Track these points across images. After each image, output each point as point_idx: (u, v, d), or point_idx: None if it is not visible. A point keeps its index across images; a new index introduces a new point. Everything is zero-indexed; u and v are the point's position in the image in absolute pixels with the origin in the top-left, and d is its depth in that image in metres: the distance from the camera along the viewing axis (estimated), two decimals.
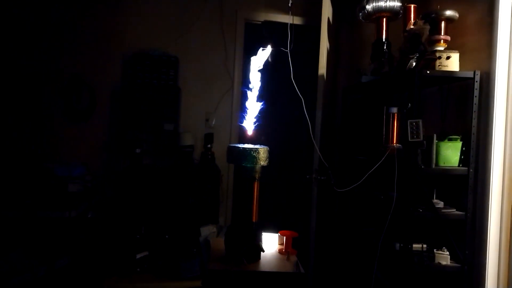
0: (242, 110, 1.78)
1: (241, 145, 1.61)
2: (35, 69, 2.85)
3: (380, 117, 2.08)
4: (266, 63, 1.87)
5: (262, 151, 1.52)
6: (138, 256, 2.42)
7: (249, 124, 1.69)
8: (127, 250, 2.41)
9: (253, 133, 1.68)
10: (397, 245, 1.83)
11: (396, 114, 2.02)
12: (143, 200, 2.74)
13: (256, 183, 1.54)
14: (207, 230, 2.46)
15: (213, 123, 3.14)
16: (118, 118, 2.97)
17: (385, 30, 2.34)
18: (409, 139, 1.68)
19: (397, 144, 2.00)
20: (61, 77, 2.90)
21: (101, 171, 2.89)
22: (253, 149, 1.50)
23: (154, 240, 2.53)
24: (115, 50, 2.97)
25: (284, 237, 1.80)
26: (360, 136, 2.49)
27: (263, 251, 1.63)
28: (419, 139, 1.67)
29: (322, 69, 2.64)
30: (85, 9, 2.93)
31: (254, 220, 1.60)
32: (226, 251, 1.67)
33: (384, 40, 2.31)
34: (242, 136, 3.13)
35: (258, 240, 1.62)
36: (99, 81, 2.96)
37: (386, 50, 2.27)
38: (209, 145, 2.95)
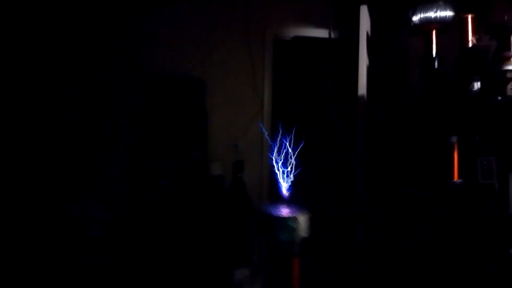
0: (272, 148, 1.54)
1: (276, 210, 1.34)
2: (55, 100, 2.74)
3: (432, 145, 1.79)
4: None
5: (302, 219, 1.26)
6: None
7: (283, 184, 1.44)
8: None
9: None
10: None
11: (456, 144, 1.72)
12: (171, 234, 2.57)
13: (296, 259, 1.28)
14: (240, 273, 2.24)
15: (242, 148, 2.92)
16: (142, 147, 2.80)
17: (435, 44, 2.05)
18: (480, 181, 1.38)
19: (459, 180, 1.71)
20: (83, 108, 2.77)
21: (125, 205, 2.73)
22: (291, 218, 1.24)
23: (184, 281, 2.35)
24: (138, 75, 2.82)
25: None
26: (408, 166, 2.18)
27: None
28: (491, 181, 1.37)
29: (362, 89, 2.37)
30: (107, 37, 2.80)
31: None
32: None
33: (434, 56, 2.02)
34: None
35: None
36: (122, 108, 2.81)
37: (439, 67, 1.97)
38: (239, 174, 2.73)
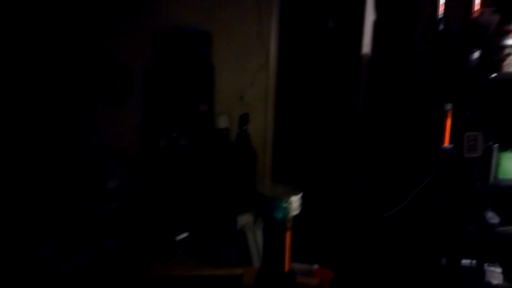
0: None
1: (271, 189, 1.45)
2: (67, 52, 2.79)
3: (427, 109, 1.86)
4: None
5: (295, 200, 1.39)
6: (178, 238, 2.51)
7: None
8: (168, 232, 2.49)
9: None
10: (443, 260, 1.72)
11: (450, 112, 1.80)
12: (181, 182, 2.76)
13: (288, 232, 1.44)
14: (243, 219, 2.46)
15: (248, 100, 3.00)
16: (152, 99, 2.91)
17: (444, 4, 2.02)
18: (465, 154, 1.49)
19: (449, 145, 1.81)
20: (95, 58, 2.83)
21: (138, 153, 2.90)
22: (285, 200, 1.38)
23: (193, 222, 2.59)
24: (145, 27, 2.83)
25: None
26: (406, 129, 2.25)
27: None
28: (476, 154, 1.47)
29: (366, 47, 2.38)
30: None
31: (286, 269, 1.52)
32: None
33: (440, 17, 2.00)
34: (278, 113, 3.04)
35: None
36: (131, 61, 2.87)
37: (443, 31, 1.97)
38: (244, 127, 2.85)
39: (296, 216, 1.40)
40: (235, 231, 2.47)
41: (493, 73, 1.45)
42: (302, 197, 1.44)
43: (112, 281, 2.19)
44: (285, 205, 1.36)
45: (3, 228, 2.13)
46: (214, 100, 2.90)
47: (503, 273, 1.58)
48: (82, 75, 2.85)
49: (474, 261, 1.63)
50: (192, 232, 2.53)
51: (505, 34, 1.51)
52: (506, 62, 1.47)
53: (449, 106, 1.77)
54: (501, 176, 1.56)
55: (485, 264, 1.61)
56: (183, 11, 2.81)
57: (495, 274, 1.58)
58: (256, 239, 2.41)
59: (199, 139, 2.92)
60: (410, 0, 2.57)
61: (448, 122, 1.77)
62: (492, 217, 1.59)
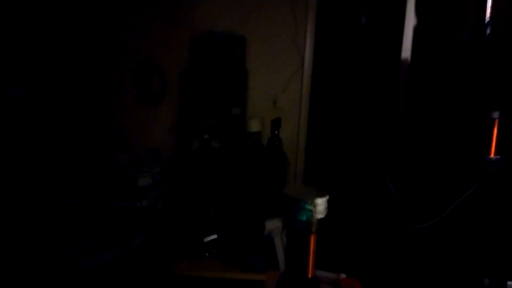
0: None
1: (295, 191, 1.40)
2: (104, 54, 2.90)
3: (471, 117, 1.76)
4: None
5: (321, 203, 1.32)
6: (207, 239, 2.50)
7: None
8: (196, 233, 2.49)
9: None
10: (487, 280, 1.60)
11: (497, 120, 1.68)
12: (212, 183, 2.77)
13: (312, 236, 1.37)
14: (272, 224, 2.42)
15: (281, 105, 2.97)
16: (186, 102, 2.95)
17: (491, 6, 1.91)
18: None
19: (496, 156, 1.69)
20: (131, 60, 2.92)
21: (171, 153, 2.95)
22: (309, 202, 1.31)
23: (222, 225, 2.58)
24: (181, 31, 2.89)
25: None
26: (448, 138, 2.14)
27: None
28: None
29: (406, 52, 2.29)
30: None
31: (310, 276, 1.45)
32: None
33: (487, 21, 1.90)
34: (312, 118, 2.99)
35: None
36: (167, 63, 2.93)
37: (490, 35, 1.86)
38: (276, 131, 2.82)
39: (323, 221, 1.34)
40: (263, 236, 2.44)
41: None
42: (332, 203, 1.38)
43: (140, 277, 2.21)
44: (309, 207, 1.30)
45: (39, 220, 2.21)
46: (247, 104, 2.91)
47: None
48: (119, 77, 2.94)
49: None
50: (220, 235, 2.52)
51: None
52: None
53: (496, 114, 1.66)
54: None
55: None
56: (219, 15, 2.84)
57: None
58: (283, 245, 2.37)
59: (231, 142, 2.93)
60: (454, 4, 2.46)
61: (495, 131, 1.66)
62: None
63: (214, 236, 2.52)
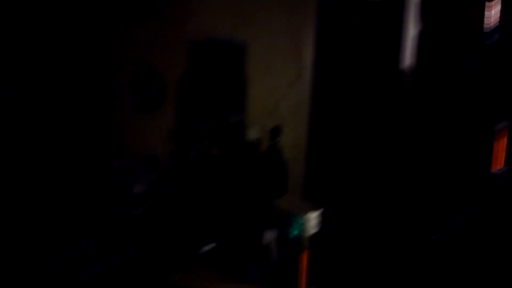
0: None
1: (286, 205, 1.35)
2: (100, 61, 2.87)
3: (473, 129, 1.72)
4: None
5: (313, 217, 1.27)
6: (203, 249, 2.46)
7: None
8: (193, 242, 2.45)
9: None
10: None
11: (503, 131, 1.64)
12: (209, 192, 2.73)
13: (304, 252, 1.31)
14: (270, 235, 2.36)
15: (281, 113, 2.93)
16: (185, 109, 2.92)
17: (494, 14, 1.89)
18: None
19: (503, 167, 1.64)
20: (127, 67, 2.89)
21: (168, 161, 2.90)
22: (301, 216, 1.26)
23: (219, 234, 2.54)
24: (180, 37, 2.86)
25: None
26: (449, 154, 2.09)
27: None
28: None
29: (407, 60, 2.26)
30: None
31: None
32: None
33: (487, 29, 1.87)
34: (312, 126, 2.95)
35: None
36: (166, 69, 2.91)
37: (493, 41, 1.83)
38: (275, 139, 2.78)
39: (318, 235, 1.30)
40: (261, 247, 2.38)
41: None
42: (328, 215, 1.33)
43: (136, 285, 2.17)
44: (301, 222, 1.25)
45: (32, 227, 2.17)
46: (246, 111, 2.87)
47: None
48: (115, 82, 2.91)
49: None
50: (217, 244, 2.48)
51: None
52: None
53: (501, 125, 1.62)
54: None
55: None
56: (218, 21, 2.82)
57: None
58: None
59: (230, 150, 2.89)
60: (455, 13, 2.44)
61: (502, 144, 1.61)
62: None
63: (211, 245, 2.48)
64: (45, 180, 2.46)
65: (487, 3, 1.79)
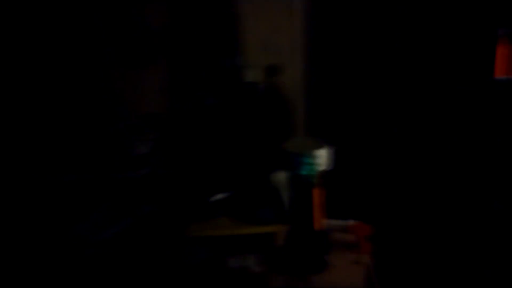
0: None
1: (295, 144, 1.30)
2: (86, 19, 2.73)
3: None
4: None
5: (321, 155, 1.22)
6: (214, 198, 2.50)
7: None
8: (203, 194, 2.50)
9: None
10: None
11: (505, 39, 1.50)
12: (211, 142, 2.72)
13: (316, 189, 1.29)
14: (278, 178, 2.37)
15: (277, 52, 2.78)
16: (177, 59, 2.80)
17: None
18: None
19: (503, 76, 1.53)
20: (116, 21, 2.74)
21: (166, 116, 2.85)
22: (309, 155, 1.21)
23: (227, 182, 2.56)
24: None
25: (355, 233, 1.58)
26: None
27: (326, 263, 1.45)
28: None
29: None
30: None
31: (317, 228, 1.39)
32: (287, 260, 1.51)
33: None
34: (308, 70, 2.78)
35: (322, 250, 1.44)
36: (154, 20, 2.74)
37: None
38: (273, 78, 2.68)
39: (331, 171, 1.26)
40: (271, 190, 2.40)
41: None
42: (339, 153, 1.28)
43: (153, 243, 2.24)
44: (309, 161, 1.22)
45: (46, 200, 2.23)
46: (242, 53, 2.72)
47: None
48: (103, 39, 2.77)
49: None
50: (228, 192, 2.51)
51: None
52: None
53: (502, 32, 1.46)
54: None
55: None
56: None
57: None
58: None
59: (227, 96, 2.80)
60: None
61: (502, 52, 1.48)
62: None
63: (222, 195, 2.51)
64: (47, 151, 2.46)
65: None
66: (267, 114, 2.66)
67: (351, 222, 1.78)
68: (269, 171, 2.44)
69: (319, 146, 1.31)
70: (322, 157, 1.29)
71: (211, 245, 2.30)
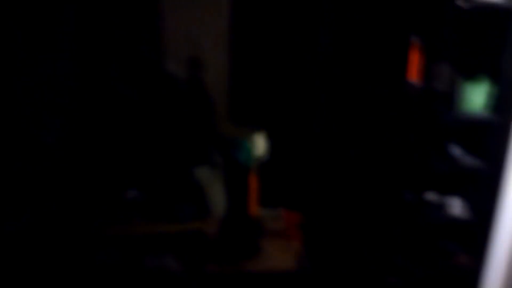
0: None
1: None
2: None
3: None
4: None
5: (259, 141, 1.24)
6: (129, 196, 2.35)
7: None
8: (117, 191, 2.33)
9: None
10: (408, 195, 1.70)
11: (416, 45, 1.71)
12: (127, 135, 2.55)
13: (252, 175, 1.30)
14: (200, 172, 2.31)
15: (201, 45, 2.74)
16: (87, 46, 2.57)
17: None
18: (429, 87, 1.42)
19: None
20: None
21: (76, 110, 2.60)
22: (248, 139, 1.22)
23: (146, 178, 2.43)
24: None
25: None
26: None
27: (259, 249, 1.47)
28: (442, 88, 1.41)
29: None
30: None
31: (251, 214, 1.41)
32: (220, 246, 1.51)
33: None
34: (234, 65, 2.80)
35: (256, 236, 1.46)
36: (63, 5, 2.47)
37: None
38: (196, 71, 2.63)
39: (266, 162, 1.28)
40: (193, 185, 2.34)
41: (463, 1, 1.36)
42: (270, 142, 1.30)
43: (58, 243, 2.01)
44: (248, 145, 1.22)
45: None
46: (161, 44, 2.61)
47: (463, 205, 1.61)
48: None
49: (436, 195, 1.64)
50: (146, 189, 2.37)
51: None
52: None
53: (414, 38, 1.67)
54: (465, 108, 1.53)
55: (446, 197, 1.63)
56: None
57: (455, 206, 1.60)
58: (214, 192, 2.29)
59: (144, 88, 2.67)
60: None
61: (415, 57, 1.68)
62: (456, 150, 1.58)
63: (136, 192, 2.37)
64: None
65: None
66: (188, 107, 2.60)
67: (281, 210, 1.83)
68: (192, 165, 2.37)
69: (258, 132, 1.32)
70: (260, 143, 1.30)
71: (127, 245, 2.15)
